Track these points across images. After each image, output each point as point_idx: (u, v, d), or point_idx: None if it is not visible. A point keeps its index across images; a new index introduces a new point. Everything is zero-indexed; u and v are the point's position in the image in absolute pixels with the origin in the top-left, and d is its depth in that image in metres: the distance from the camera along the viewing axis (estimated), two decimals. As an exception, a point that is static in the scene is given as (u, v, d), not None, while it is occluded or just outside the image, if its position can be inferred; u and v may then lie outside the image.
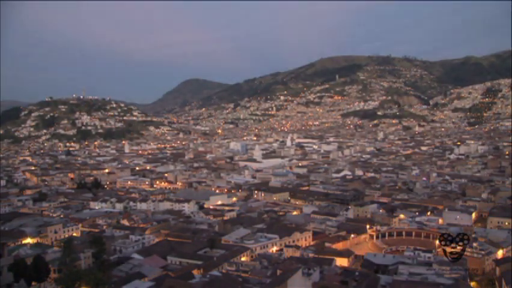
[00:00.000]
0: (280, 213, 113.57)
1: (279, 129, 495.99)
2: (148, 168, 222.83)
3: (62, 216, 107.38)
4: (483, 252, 69.09)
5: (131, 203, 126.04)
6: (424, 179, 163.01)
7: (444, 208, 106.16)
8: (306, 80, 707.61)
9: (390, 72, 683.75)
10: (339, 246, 77.28)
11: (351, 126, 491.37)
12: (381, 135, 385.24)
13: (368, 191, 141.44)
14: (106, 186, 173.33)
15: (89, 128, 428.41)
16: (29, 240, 78.24)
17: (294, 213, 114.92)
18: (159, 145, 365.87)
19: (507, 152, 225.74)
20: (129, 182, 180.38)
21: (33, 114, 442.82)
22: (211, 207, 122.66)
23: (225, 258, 66.07)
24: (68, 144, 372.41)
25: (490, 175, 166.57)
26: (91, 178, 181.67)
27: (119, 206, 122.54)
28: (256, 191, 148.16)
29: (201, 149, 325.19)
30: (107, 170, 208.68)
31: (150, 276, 57.11)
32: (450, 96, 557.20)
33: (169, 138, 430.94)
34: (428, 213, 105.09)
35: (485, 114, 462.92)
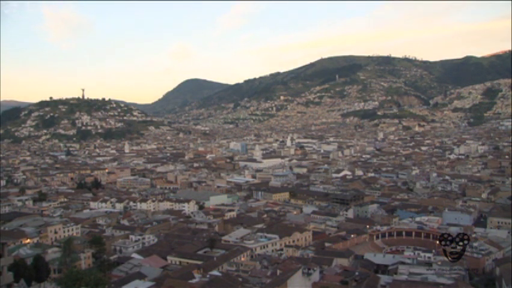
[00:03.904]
0: (280, 213, 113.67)
1: (279, 129, 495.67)
2: (148, 168, 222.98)
3: (62, 216, 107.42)
4: (483, 252, 69.05)
5: (131, 203, 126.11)
6: (424, 180, 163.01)
7: (444, 208, 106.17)
8: (306, 80, 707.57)
9: (390, 72, 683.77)
10: (339, 246, 77.24)
11: (351, 126, 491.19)
12: (381, 135, 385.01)
13: (368, 191, 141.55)
14: (105, 187, 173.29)
15: (89, 128, 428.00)
16: (29, 240, 78.16)
17: (294, 213, 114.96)
18: (159, 145, 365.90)
19: (507, 152, 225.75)
20: (129, 182, 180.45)
21: (33, 114, 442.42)
22: (211, 207, 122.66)
23: (225, 258, 66.04)
24: (68, 144, 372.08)
25: (490, 175, 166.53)
26: (91, 178, 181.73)
27: (119, 206, 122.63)
28: (256, 191, 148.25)
29: (201, 149, 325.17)
30: (107, 170, 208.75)
31: (150, 276, 57.08)
32: (450, 96, 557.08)
33: (169, 138, 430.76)
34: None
35: (485, 114, 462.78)
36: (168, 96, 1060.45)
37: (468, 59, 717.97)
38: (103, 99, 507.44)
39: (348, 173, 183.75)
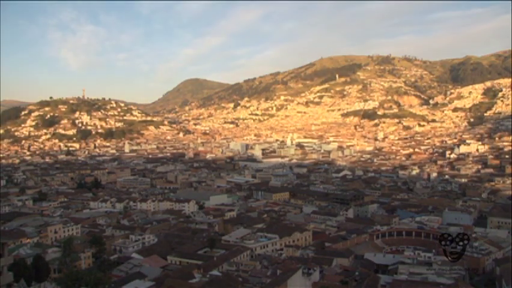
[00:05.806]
0: (280, 213, 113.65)
1: (279, 129, 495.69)
2: (148, 168, 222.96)
3: (62, 216, 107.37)
4: (483, 252, 69.05)
5: (131, 203, 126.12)
6: (424, 180, 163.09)
7: (444, 208, 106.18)
8: (306, 80, 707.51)
9: (390, 72, 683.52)
10: (339, 246, 77.24)
11: (351, 126, 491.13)
12: (381, 135, 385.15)
13: (368, 191, 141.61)
14: (105, 187, 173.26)
15: (89, 128, 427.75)
16: (29, 240, 78.10)
17: (294, 213, 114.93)
18: (159, 145, 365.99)
19: (507, 152, 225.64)
20: (129, 182, 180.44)
21: (33, 114, 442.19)
22: (211, 207, 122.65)
23: (225, 258, 66.04)
24: (68, 144, 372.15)
25: (490, 175, 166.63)
26: (91, 178, 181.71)
27: (119, 206, 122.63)
28: (256, 191, 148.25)
29: (201, 149, 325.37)
30: (107, 170, 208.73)
31: (150, 276, 57.05)
32: (450, 96, 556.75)
33: (169, 138, 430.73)
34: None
35: (485, 114, 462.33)
36: (168, 96, 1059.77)
37: (468, 59, 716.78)
38: (103, 99, 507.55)
39: (348, 173, 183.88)
